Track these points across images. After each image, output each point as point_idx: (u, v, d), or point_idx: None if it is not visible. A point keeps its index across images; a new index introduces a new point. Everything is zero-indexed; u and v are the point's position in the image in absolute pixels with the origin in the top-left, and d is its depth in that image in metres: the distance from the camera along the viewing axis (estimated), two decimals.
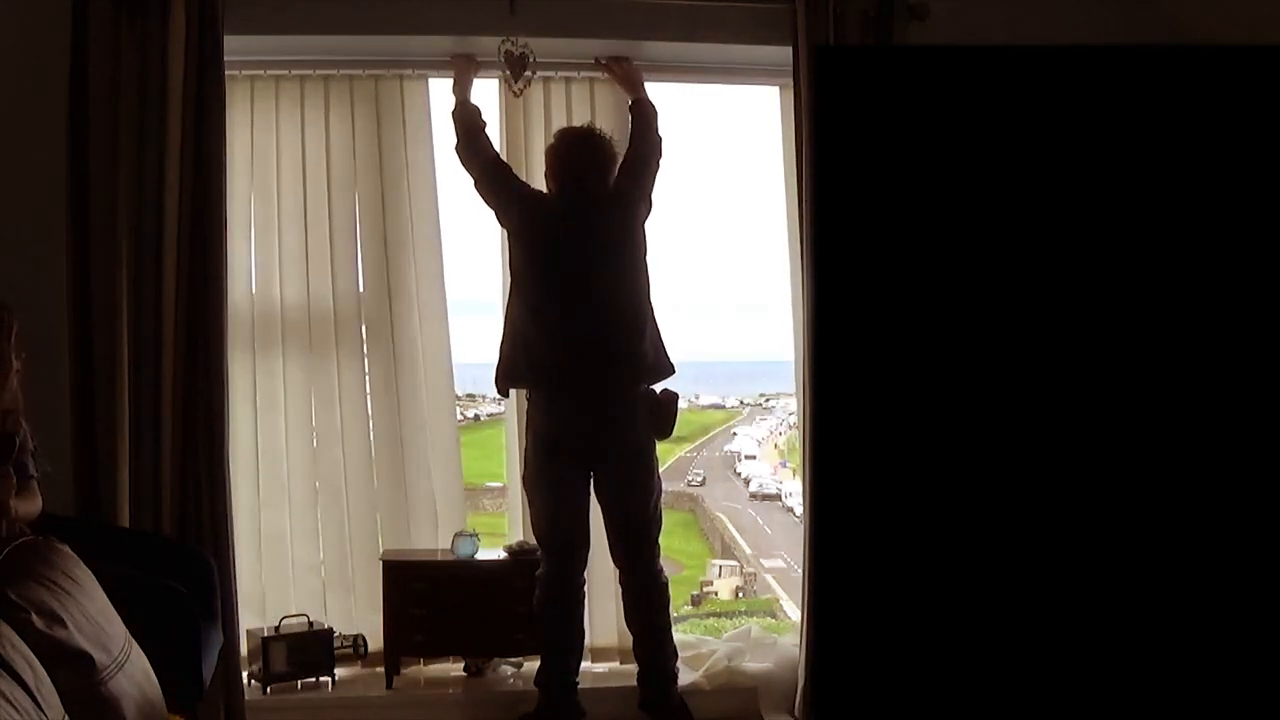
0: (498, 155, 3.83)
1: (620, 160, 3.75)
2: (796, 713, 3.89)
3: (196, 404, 3.61)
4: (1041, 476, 0.99)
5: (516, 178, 3.82)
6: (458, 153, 3.81)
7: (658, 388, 3.73)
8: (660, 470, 3.84)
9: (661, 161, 3.83)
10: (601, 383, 3.62)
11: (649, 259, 3.76)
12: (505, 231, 3.81)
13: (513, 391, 4.04)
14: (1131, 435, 0.99)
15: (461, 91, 3.87)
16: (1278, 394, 1.00)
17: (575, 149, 3.71)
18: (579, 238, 3.65)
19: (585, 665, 3.90)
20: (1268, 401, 0.99)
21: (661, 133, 3.85)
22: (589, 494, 3.72)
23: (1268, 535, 0.98)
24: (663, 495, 3.80)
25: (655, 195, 3.82)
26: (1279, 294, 1.00)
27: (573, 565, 3.70)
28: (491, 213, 3.80)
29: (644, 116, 3.86)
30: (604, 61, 3.98)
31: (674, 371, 3.74)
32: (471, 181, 3.80)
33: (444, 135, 4.13)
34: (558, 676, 3.70)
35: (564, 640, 3.71)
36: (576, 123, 3.94)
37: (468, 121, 3.81)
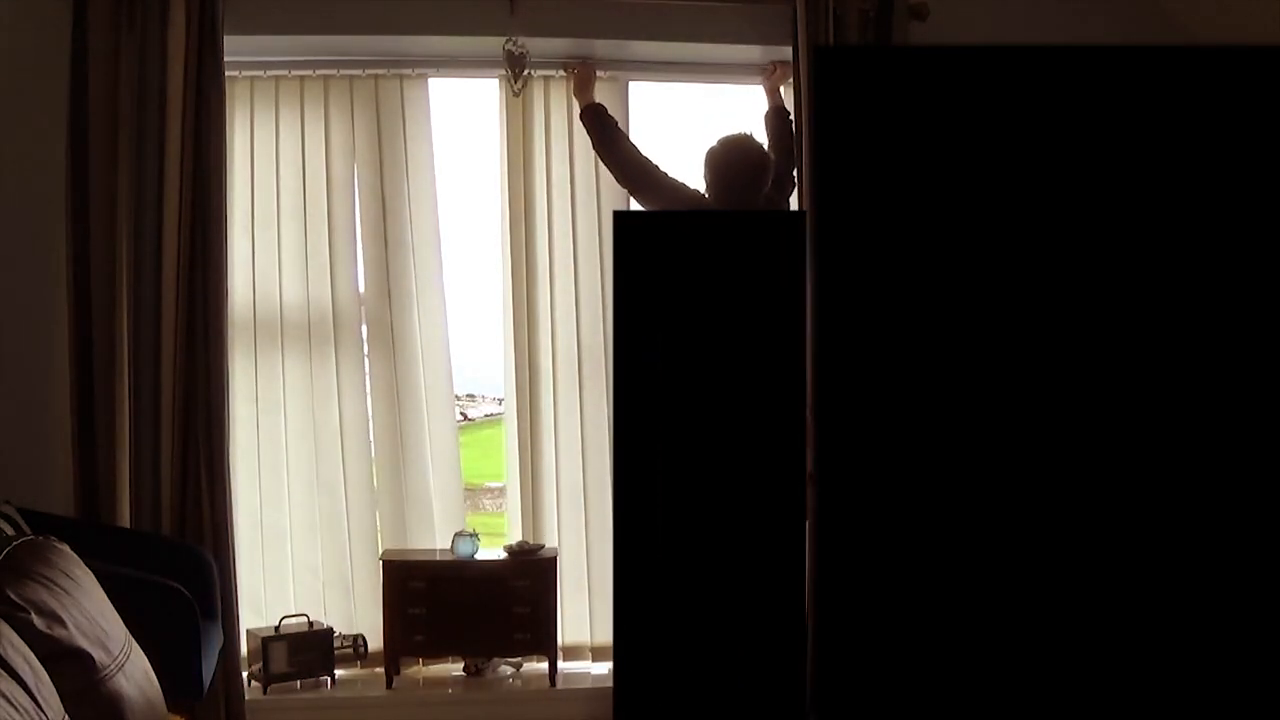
0: (638, 151, 3.78)
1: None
2: None
3: (196, 404, 3.61)
4: (1044, 476, 0.99)
5: (666, 175, 3.75)
6: (597, 153, 3.80)
7: None
8: None
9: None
10: None
11: None
12: None
13: (513, 390, 4.07)
14: (1138, 438, 0.99)
15: (585, 96, 3.88)
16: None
17: (738, 161, 3.62)
18: None
19: (598, 666, 4.00)
20: (1271, 402, 1.00)
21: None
22: None
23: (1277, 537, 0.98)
24: None
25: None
26: None
27: None
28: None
29: (784, 124, 3.90)
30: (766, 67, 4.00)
31: None
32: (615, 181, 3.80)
33: (444, 135, 4.14)
34: None
35: None
36: (576, 120, 3.94)
37: (598, 121, 3.79)
